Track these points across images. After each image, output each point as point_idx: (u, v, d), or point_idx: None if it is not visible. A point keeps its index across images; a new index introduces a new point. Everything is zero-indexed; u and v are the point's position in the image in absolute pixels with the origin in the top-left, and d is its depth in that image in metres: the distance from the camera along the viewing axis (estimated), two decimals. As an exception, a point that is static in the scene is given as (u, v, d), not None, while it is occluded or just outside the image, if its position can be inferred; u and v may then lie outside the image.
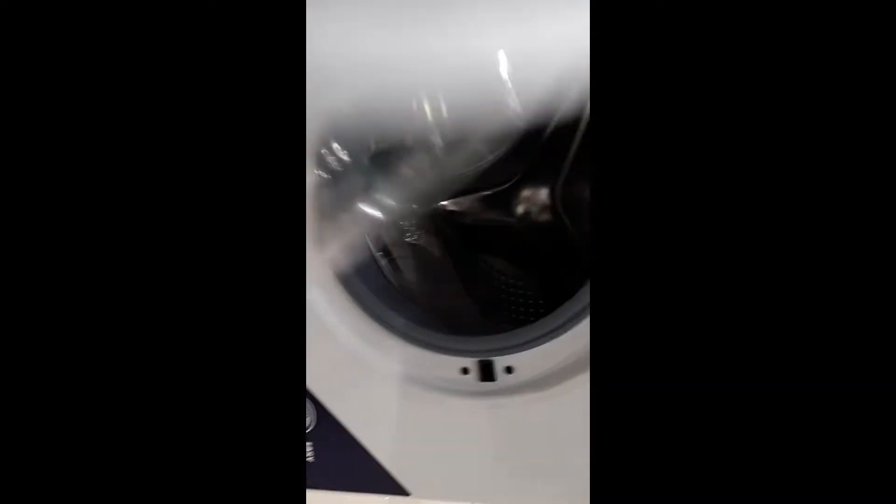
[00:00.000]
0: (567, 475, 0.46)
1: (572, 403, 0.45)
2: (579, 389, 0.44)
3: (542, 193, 0.80)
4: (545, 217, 0.80)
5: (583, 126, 0.75)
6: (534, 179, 0.79)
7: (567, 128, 0.77)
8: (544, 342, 0.46)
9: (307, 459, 0.55)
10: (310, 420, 0.55)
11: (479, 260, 0.84)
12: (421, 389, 0.50)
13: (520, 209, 0.82)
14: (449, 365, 0.50)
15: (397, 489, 0.51)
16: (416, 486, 0.51)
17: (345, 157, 0.46)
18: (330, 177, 0.54)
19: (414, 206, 0.75)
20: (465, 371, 0.49)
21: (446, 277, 0.77)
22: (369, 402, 0.50)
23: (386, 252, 0.69)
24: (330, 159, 0.50)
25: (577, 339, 0.45)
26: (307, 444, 0.55)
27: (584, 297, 0.44)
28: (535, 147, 0.78)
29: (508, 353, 0.48)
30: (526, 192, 0.81)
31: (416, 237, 0.74)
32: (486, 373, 0.49)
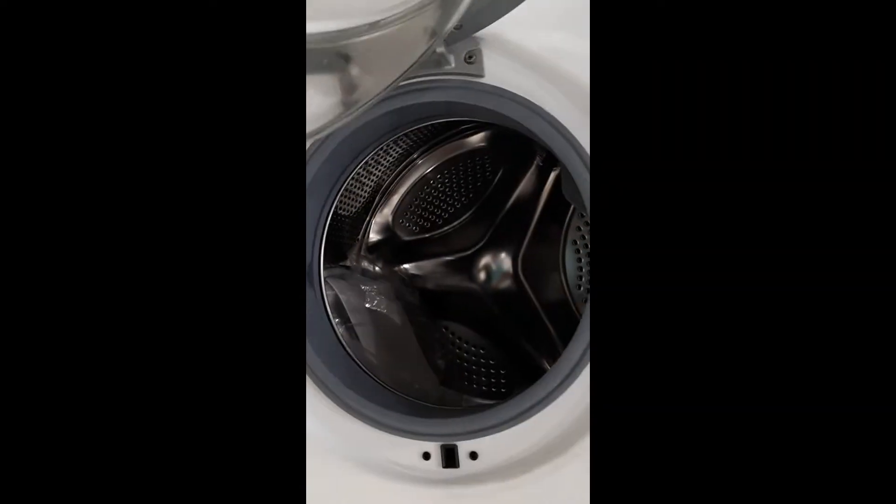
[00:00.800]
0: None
1: (539, 495, 0.42)
2: (547, 479, 0.42)
3: (505, 261, 0.81)
4: (507, 284, 0.81)
5: (544, 198, 0.78)
6: (496, 247, 0.80)
7: (529, 198, 0.80)
8: (511, 426, 0.44)
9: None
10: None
11: (440, 326, 0.83)
12: (379, 477, 0.47)
13: (482, 276, 0.82)
14: (410, 450, 0.47)
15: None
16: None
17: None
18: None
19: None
20: (426, 456, 0.46)
21: (406, 345, 0.74)
22: (324, 491, 0.45)
23: (345, 319, 0.66)
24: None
25: (544, 424, 0.44)
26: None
27: (552, 380, 0.43)
28: (498, 215, 0.79)
29: (473, 438, 0.45)
30: (488, 259, 0.81)
31: (376, 302, 0.72)
32: (449, 458, 0.46)
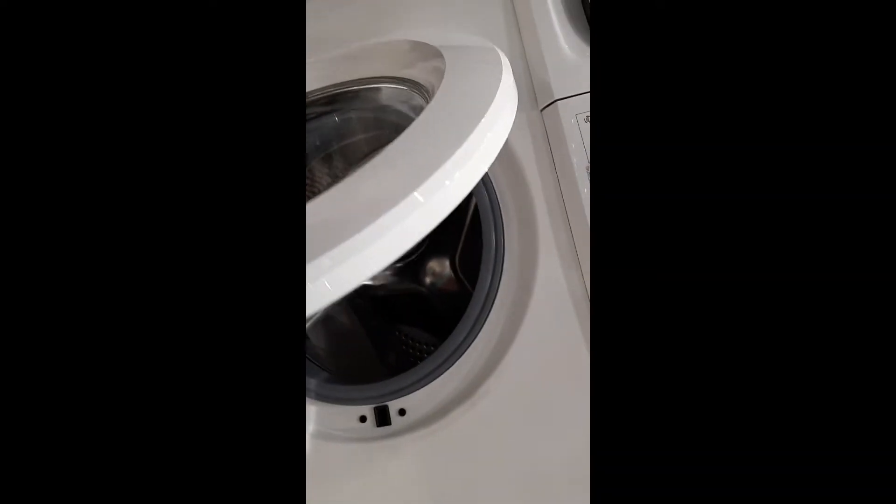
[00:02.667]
0: (464, 499, 0.50)
1: (456, 434, 0.50)
2: (459, 421, 0.50)
3: (445, 264, 0.90)
4: (449, 284, 0.89)
5: (472, 206, 0.88)
6: (437, 252, 0.89)
7: (458, 208, 0.89)
8: (430, 381, 0.52)
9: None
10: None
11: (394, 329, 0.90)
12: (324, 441, 0.54)
13: (428, 279, 0.91)
14: (348, 415, 0.54)
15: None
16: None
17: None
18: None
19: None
20: (362, 419, 0.54)
21: (358, 345, 0.82)
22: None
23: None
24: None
25: (456, 376, 0.52)
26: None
27: (458, 335, 0.52)
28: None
29: (400, 396, 0.53)
30: (432, 263, 0.90)
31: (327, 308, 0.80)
32: (382, 417, 0.53)
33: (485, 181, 0.54)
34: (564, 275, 0.51)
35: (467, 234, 0.87)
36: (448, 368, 0.52)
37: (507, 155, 0.53)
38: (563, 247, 0.51)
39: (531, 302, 0.51)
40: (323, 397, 0.54)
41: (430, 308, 0.90)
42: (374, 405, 0.53)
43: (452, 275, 0.89)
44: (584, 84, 0.48)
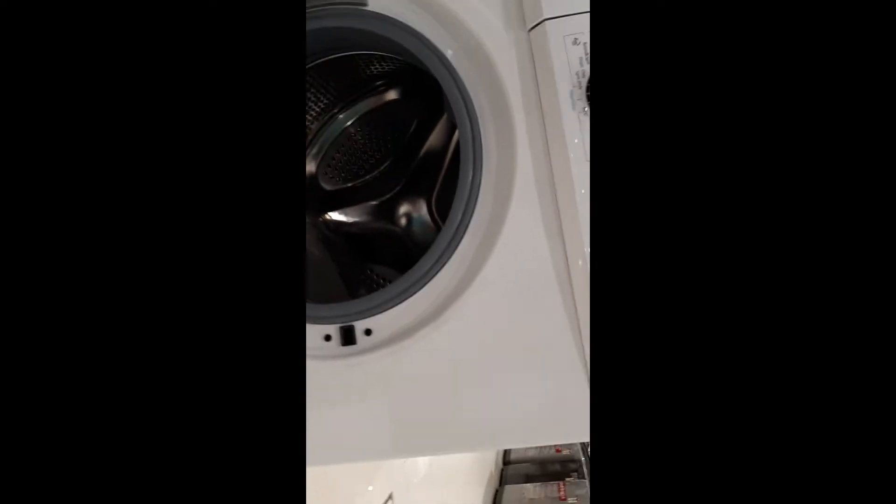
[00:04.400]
0: (424, 419, 0.50)
1: (420, 353, 0.50)
2: (424, 341, 0.50)
3: (421, 205, 0.89)
4: (424, 226, 0.88)
5: (452, 146, 0.86)
6: (413, 192, 0.88)
7: (439, 147, 0.88)
8: (397, 303, 0.52)
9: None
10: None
11: (366, 268, 0.90)
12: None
13: (402, 220, 0.90)
14: (312, 333, 0.53)
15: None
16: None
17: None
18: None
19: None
20: (327, 338, 0.53)
21: (327, 276, 0.81)
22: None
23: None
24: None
25: (425, 299, 0.52)
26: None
27: (425, 264, 0.51)
28: (412, 164, 0.87)
29: (367, 317, 0.53)
30: (406, 205, 0.89)
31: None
32: (348, 337, 0.53)
33: (468, 108, 0.52)
34: (540, 206, 0.50)
35: (445, 175, 0.86)
36: (417, 291, 0.52)
37: (490, 78, 0.52)
38: (542, 181, 0.50)
39: (503, 230, 0.51)
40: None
41: (403, 248, 0.89)
42: (340, 324, 0.53)
43: (428, 217, 0.88)
44: (576, 3, 0.47)
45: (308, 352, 0.53)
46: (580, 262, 0.48)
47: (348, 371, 0.52)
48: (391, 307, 0.52)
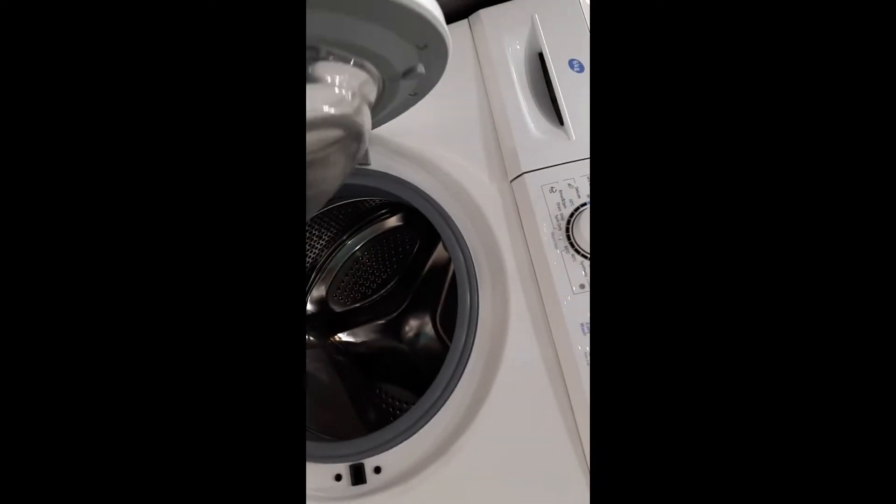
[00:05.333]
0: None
1: (430, 490, 0.50)
2: (433, 477, 0.51)
3: (426, 322, 0.92)
4: (430, 342, 0.91)
5: (452, 267, 0.92)
6: (418, 309, 0.92)
7: (441, 265, 0.93)
8: (405, 438, 0.53)
9: None
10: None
11: (375, 387, 0.91)
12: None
13: (409, 336, 0.92)
14: (323, 473, 0.54)
15: None
16: None
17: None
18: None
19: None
20: (338, 478, 0.54)
21: (337, 402, 0.82)
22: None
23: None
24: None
25: (431, 434, 0.53)
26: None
27: (433, 393, 0.53)
28: (416, 281, 0.92)
29: (376, 454, 0.54)
30: (412, 321, 0.92)
31: (307, 361, 0.81)
32: (358, 476, 0.53)
33: (461, 245, 0.58)
34: (535, 335, 0.53)
35: (448, 293, 0.90)
36: (423, 426, 0.53)
37: (481, 221, 0.57)
38: (533, 308, 0.54)
39: (503, 359, 0.54)
40: (299, 455, 0.55)
41: (410, 365, 0.91)
42: (349, 463, 0.54)
43: (433, 332, 0.91)
44: (550, 159, 0.53)
45: (319, 493, 0.54)
46: (578, 390, 0.50)
47: (361, 513, 0.52)
48: (399, 443, 0.53)
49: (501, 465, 0.51)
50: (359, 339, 0.93)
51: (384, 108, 0.46)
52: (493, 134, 0.58)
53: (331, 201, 0.76)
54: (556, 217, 0.52)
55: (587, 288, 0.50)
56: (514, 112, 0.57)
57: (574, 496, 0.49)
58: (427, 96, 0.47)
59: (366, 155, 0.62)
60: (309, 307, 0.90)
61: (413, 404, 0.88)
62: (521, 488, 0.50)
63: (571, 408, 0.50)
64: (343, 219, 0.89)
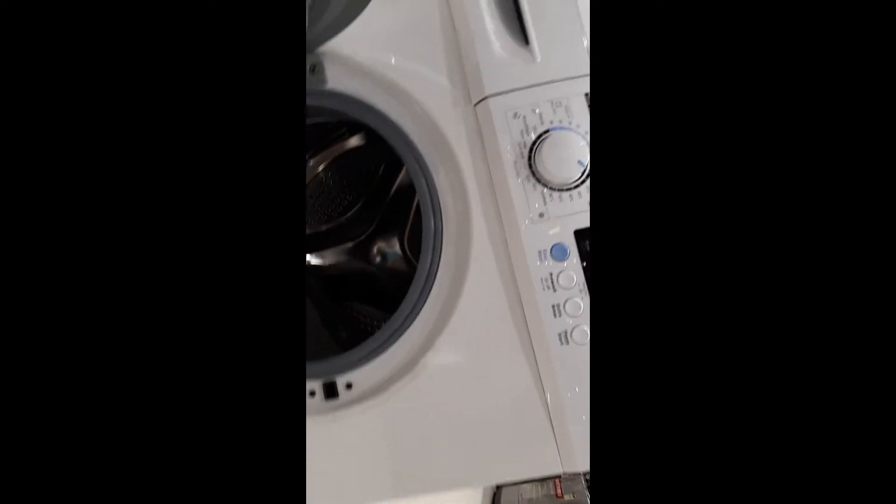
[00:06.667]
0: (403, 464, 0.55)
1: (400, 404, 0.55)
2: (400, 393, 0.55)
3: (394, 243, 0.93)
4: (398, 263, 0.93)
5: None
6: (385, 232, 0.92)
7: (406, 188, 0.93)
8: (374, 357, 0.56)
9: None
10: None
11: (345, 307, 0.94)
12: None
13: (377, 259, 0.94)
14: (298, 390, 0.58)
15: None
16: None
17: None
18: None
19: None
20: (312, 393, 0.58)
21: (309, 326, 0.85)
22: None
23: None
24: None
25: (399, 352, 0.56)
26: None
27: (402, 313, 0.56)
28: (383, 204, 0.91)
29: (347, 371, 0.57)
30: (380, 243, 0.93)
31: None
32: (330, 391, 0.57)
33: (423, 169, 0.57)
34: (496, 260, 0.55)
35: (415, 214, 0.91)
36: (391, 346, 0.56)
37: (443, 145, 0.57)
38: (494, 230, 0.55)
39: (466, 280, 0.56)
40: (273, 375, 0.58)
41: (379, 286, 0.93)
42: (322, 381, 0.57)
43: (401, 254, 0.92)
44: (514, 81, 0.52)
45: (295, 408, 0.58)
46: (535, 321, 0.53)
47: (334, 425, 0.56)
48: (369, 361, 0.57)
49: (463, 381, 0.55)
50: (327, 262, 0.94)
51: (321, 20, 0.43)
52: (457, 51, 0.55)
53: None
54: (519, 145, 0.52)
55: (546, 217, 0.51)
56: (478, 26, 0.53)
57: (529, 409, 0.54)
58: (388, 4, 0.44)
59: (321, 73, 0.58)
60: (274, 231, 0.89)
61: (384, 322, 0.92)
62: (481, 402, 0.55)
63: (527, 328, 0.54)
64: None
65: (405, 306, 0.56)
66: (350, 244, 0.93)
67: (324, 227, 0.93)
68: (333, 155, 0.91)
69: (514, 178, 0.52)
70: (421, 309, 0.56)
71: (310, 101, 0.59)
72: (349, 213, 0.93)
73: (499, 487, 2.59)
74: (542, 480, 2.59)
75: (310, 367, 0.58)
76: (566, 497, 2.35)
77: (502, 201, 0.53)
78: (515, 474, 0.54)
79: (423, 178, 0.57)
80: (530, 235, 0.51)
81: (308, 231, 0.92)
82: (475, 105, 0.55)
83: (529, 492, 2.44)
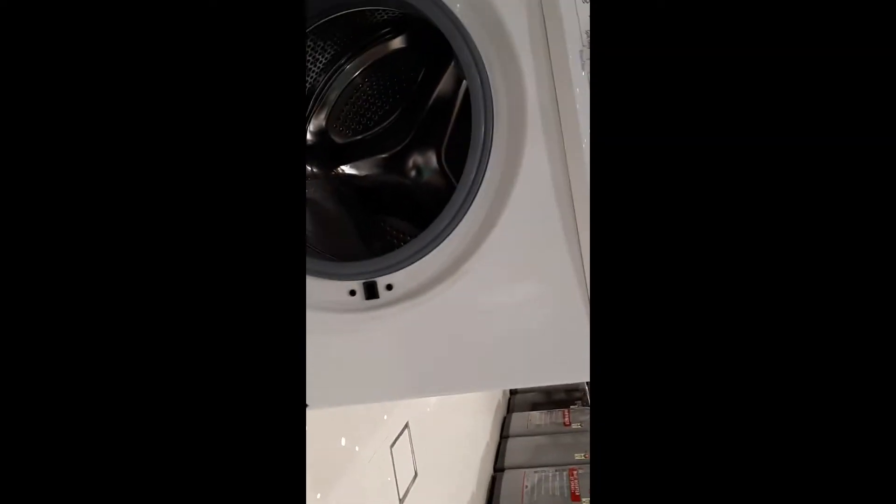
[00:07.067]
0: (439, 364, 0.56)
1: (437, 306, 0.55)
2: (440, 296, 0.54)
3: (431, 156, 0.90)
4: (434, 177, 0.90)
5: (461, 95, 0.86)
6: (422, 143, 0.89)
7: (447, 98, 0.88)
8: (416, 259, 0.56)
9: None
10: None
11: (379, 220, 0.93)
12: (315, 312, 0.58)
13: (413, 172, 0.91)
14: (339, 289, 0.58)
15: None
16: (312, 397, 0.58)
17: None
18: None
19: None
20: (352, 293, 0.58)
21: (344, 231, 0.84)
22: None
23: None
24: None
25: (441, 256, 0.55)
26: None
27: (444, 218, 0.54)
28: (421, 115, 0.87)
29: (388, 273, 0.57)
30: (416, 156, 0.90)
31: (311, 191, 0.81)
32: (371, 291, 0.57)
33: (477, 63, 0.53)
34: (550, 168, 0.52)
35: (454, 126, 0.87)
36: (434, 249, 0.55)
37: (500, 35, 0.52)
38: (552, 140, 0.52)
39: (514, 191, 0.53)
40: (316, 273, 0.58)
41: (413, 200, 0.92)
42: (363, 281, 0.57)
43: (438, 168, 0.89)
44: (588, -40, 0.46)
45: (334, 305, 0.58)
46: (586, 220, 0.51)
47: (372, 323, 0.57)
48: (410, 263, 0.56)
49: (504, 292, 0.54)
50: (362, 173, 0.92)
51: None
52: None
53: (328, 10, 0.68)
54: (587, 33, 0.47)
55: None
56: None
57: (570, 314, 0.53)
58: None
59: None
60: (309, 138, 0.87)
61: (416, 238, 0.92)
62: (519, 314, 0.54)
63: (577, 233, 0.52)
64: (341, 37, 0.81)
65: (449, 210, 0.54)
66: (385, 155, 0.90)
67: (359, 137, 0.90)
68: (373, 59, 0.86)
69: (579, 73, 0.47)
70: (465, 213, 0.54)
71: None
72: (385, 123, 0.89)
73: (509, 412, 2.70)
74: (552, 408, 2.70)
75: (350, 268, 0.58)
76: (573, 426, 2.46)
77: (563, 95, 0.49)
78: (551, 378, 0.55)
79: (478, 77, 0.53)
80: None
81: (343, 140, 0.89)
82: (541, -13, 0.49)
83: (538, 419, 2.55)
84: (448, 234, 0.55)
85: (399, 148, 0.88)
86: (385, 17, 0.82)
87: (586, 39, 0.47)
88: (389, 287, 0.57)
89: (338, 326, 0.57)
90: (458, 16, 0.53)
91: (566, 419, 2.53)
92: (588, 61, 0.47)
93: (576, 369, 0.54)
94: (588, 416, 2.51)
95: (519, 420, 2.56)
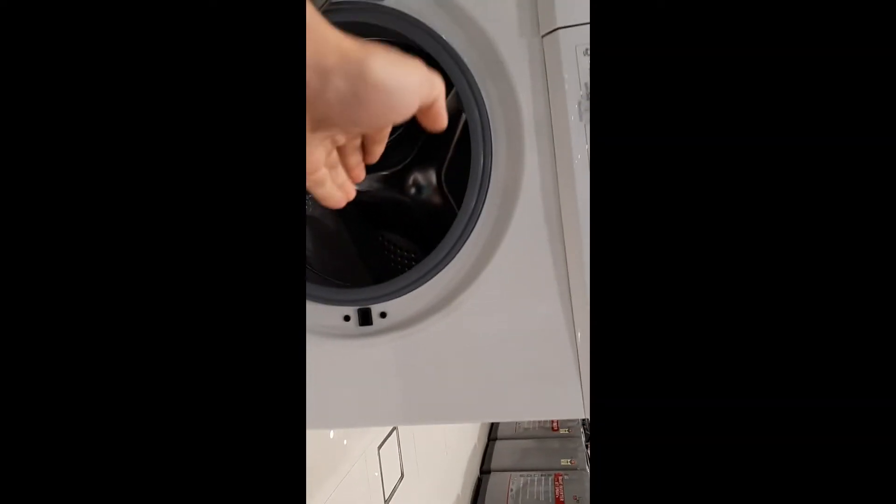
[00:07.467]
0: (426, 394, 0.57)
1: (429, 338, 0.56)
2: (434, 327, 0.56)
3: (431, 175, 0.91)
4: (433, 196, 0.91)
5: (463, 118, 0.87)
6: (423, 163, 0.90)
7: (450, 118, 0.88)
8: (411, 290, 0.57)
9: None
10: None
11: (377, 235, 0.94)
12: (311, 335, 0.59)
13: (412, 190, 0.93)
14: (333, 314, 0.59)
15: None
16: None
17: None
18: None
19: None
20: (346, 318, 0.59)
21: (342, 248, 0.86)
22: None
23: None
24: None
25: (435, 288, 0.57)
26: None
27: (442, 249, 0.56)
28: (422, 135, 0.88)
29: (382, 301, 0.58)
30: (417, 174, 0.91)
31: (310, 208, 0.82)
32: (364, 318, 0.59)
33: (476, 100, 0.54)
34: (543, 202, 0.54)
35: (455, 147, 0.88)
36: (429, 279, 0.56)
37: (502, 76, 0.53)
38: (547, 175, 0.53)
39: (511, 221, 0.55)
40: (312, 297, 0.59)
41: (412, 218, 0.93)
42: (357, 307, 0.59)
43: (438, 188, 0.91)
44: (588, 13, 0.47)
45: (328, 330, 0.59)
46: (578, 263, 0.52)
47: (364, 350, 0.58)
48: (406, 293, 0.57)
49: (497, 326, 0.56)
50: (362, 188, 0.93)
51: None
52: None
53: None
54: (586, 85, 0.48)
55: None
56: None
57: (559, 353, 0.54)
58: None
59: (380, -14, 0.54)
60: (311, 151, 0.87)
61: (414, 254, 0.93)
62: (512, 342, 0.56)
63: (568, 273, 0.53)
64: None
65: (447, 241, 0.56)
66: (385, 172, 0.91)
67: (361, 152, 0.91)
68: (376, 76, 0.86)
69: (577, 123, 0.49)
70: (462, 246, 0.56)
71: (364, 18, 0.55)
72: (388, 140, 0.90)
73: (499, 415, 2.72)
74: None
75: (346, 294, 0.59)
76: (561, 431, 2.49)
77: (560, 142, 0.51)
78: (538, 414, 0.56)
79: (476, 111, 0.54)
80: (585, 180, 0.49)
81: (345, 154, 0.90)
82: (543, 36, 0.50)
83: (527, 422, 2.58)
84: (444, 266, 0.56)
85: (400, 166, 0.89)
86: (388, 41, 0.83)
87: (586, 91, 0.48)
88: (383, 315, 0.58)
89: (332, 351, 0.59)
90: (458, 52, 0.54)
91: (554, 423, 2.56)
92: (587, 112, 0.49)
93: (567, 405, 0.55)
94: (575, 421, 2.53)
95: (508, 424, 2.59)
